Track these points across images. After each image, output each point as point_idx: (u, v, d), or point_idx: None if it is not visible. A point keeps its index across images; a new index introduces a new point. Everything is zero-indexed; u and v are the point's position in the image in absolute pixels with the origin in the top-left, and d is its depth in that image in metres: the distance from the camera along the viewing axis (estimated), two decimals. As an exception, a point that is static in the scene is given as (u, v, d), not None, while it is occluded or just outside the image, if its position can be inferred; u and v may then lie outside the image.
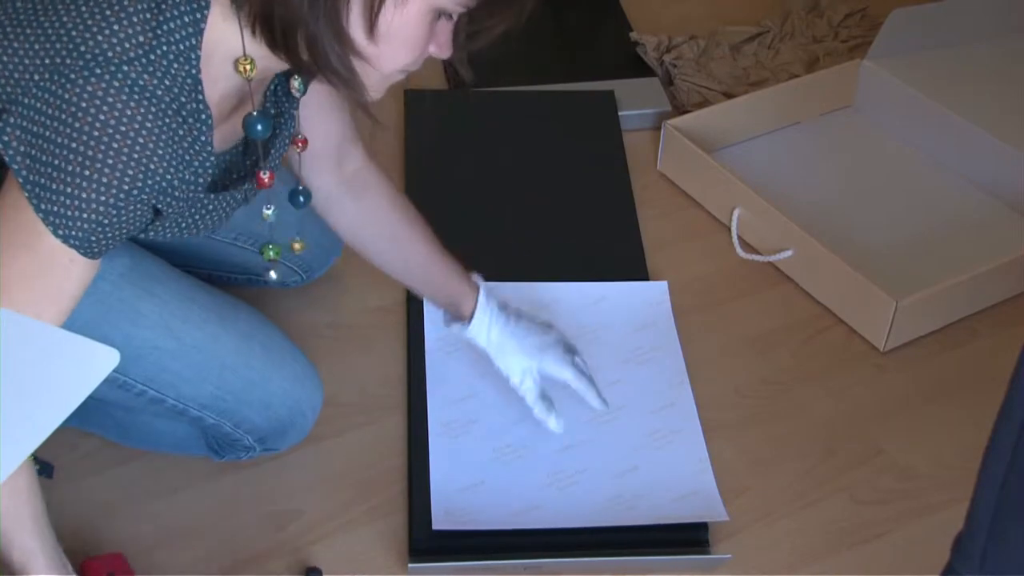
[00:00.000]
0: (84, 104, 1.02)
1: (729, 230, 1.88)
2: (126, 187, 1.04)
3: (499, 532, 1.43)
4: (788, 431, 1.61)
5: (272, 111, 1.25)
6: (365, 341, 1.67)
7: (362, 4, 1.05)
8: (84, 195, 1.03)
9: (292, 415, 1.43)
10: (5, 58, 1.06)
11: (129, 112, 1.02)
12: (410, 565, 1.39)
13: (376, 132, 1.18)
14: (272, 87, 1.23)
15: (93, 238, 1.06)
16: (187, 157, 1.09)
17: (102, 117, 1.02)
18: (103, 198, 1.04)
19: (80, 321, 1.25)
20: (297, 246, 1.42)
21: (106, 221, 1.05)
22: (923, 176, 2.02)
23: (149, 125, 1.03)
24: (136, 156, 1.03)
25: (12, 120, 1.04)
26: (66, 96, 1.02)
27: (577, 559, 1.42)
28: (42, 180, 1.03)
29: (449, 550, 1.41)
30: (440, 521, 1.42)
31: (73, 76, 1.02)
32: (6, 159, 1.05)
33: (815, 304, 1.79)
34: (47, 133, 1.03)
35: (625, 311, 1.70)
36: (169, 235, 1.19)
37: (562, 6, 2.42)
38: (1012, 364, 0.93)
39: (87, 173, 1.03)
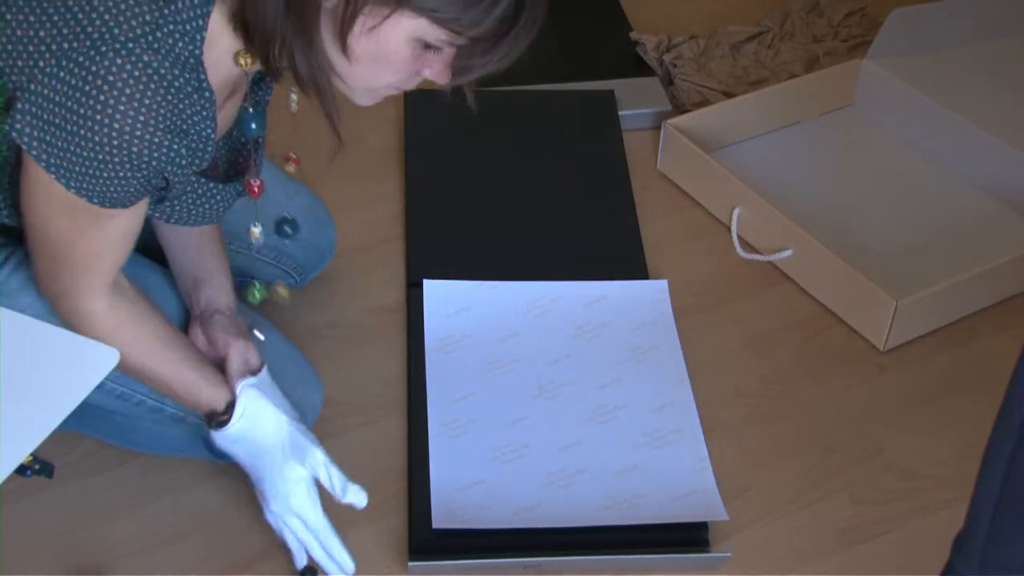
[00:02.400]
0: (88, 88, 1.04)
1: (729, 230, 1.88)
2: (135, 160, 1.08)
3: (499, 532, 1.43)
4: (788, 431, 1.61)
5: (262, 107, 1.26)
6: (365, 341, 1.67)
7: (332, 22, 1.06)
8: (105, 173, 1.08)
9: (291, 420, 1.43)
10: (10, 46, 1.07)
11: (128, 91, 1.05)
12: (410, 564, 1.39)
13: (338, 149, 1.18)
14: (255, 80, 1.24)
15: (127, 199, 1.12)
16: (191, 132, 1.11)
17: (102, 98, 1.04)
18: (122, 173, 1.09)
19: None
20: (282, 291, 1.44)
21: (131, 188, 1.11)
22: (923, 176, 2.02)
23: (148, 102, 1.06)
24: (139, 133, 1.07)
25: (22, 107, 1.07)
26: (73, 82, 1.05)
27: (577, 558, 1.42)
28: (63, 163, 1.08)
29: (449, 550, 1.41)
30: (440, 520, 1.42)
31: (81, 59, 1.05)
32: (25, 147, 1.09)
33: (815, 304, 1.79)
34: (57, 120, 1.06)
35: (625, 310, 1.70)
36: (182, 216, 1.23)
37: (562, 6, 2.41)
38: (1012, 364, 0.93)
39: (100, 156, 1.07)
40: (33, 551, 1.42)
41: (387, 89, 1.15)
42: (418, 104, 2.07)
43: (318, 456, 1.32)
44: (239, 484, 1.50)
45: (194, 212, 1.24)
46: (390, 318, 1.72)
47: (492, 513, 1.45)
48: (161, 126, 1.08)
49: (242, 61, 1.12)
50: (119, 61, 1.04)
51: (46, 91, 1.06)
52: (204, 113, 1.12)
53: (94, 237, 1.17)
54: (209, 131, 1.14)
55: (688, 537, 1.45)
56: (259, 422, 1.31)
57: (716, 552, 1.44)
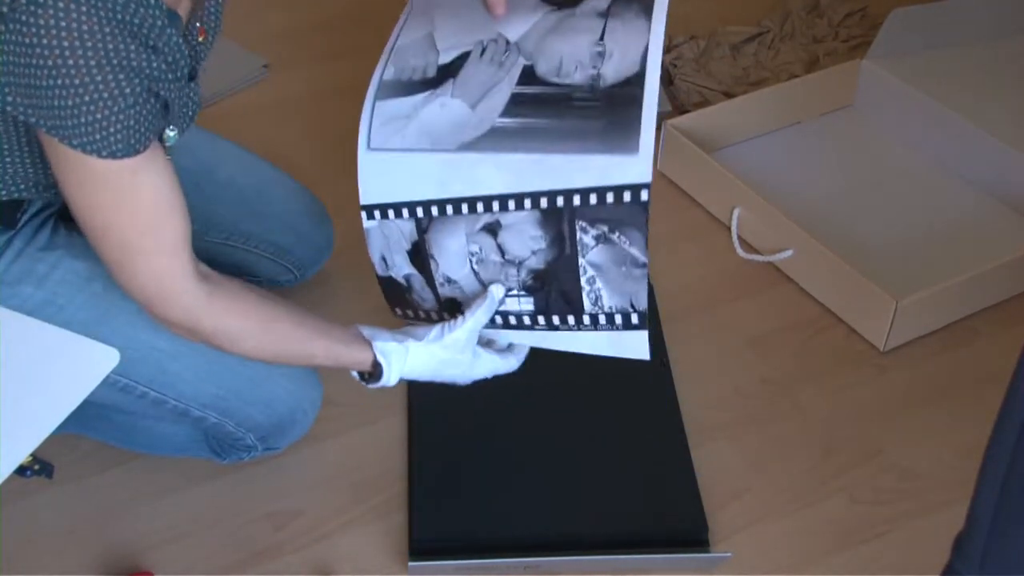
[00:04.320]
0: (45, 40, 1.02)
1: (729, 230, 1.88)
2: (126, 90, 1.06)
3: (497, 526, 1.43)
4: (788, 431, 1.61)
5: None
6: (365, 341, 1.67)
7: None
8: (99, 115, 1.06)
9: (293, 412, 1.43)
10: None
11: (86, 27, 1.03)
12: (410, 564, 1.39)
13: None
14: None
15: (132, 140, 1.09)
16: (159, 45, 1.10)
17: (65, 44, 1.02)
18: (116, 107, 1.06)
19: (78, 324, 1.25)
20: None
21: (132, 123, 1.08)
22: (923, 176, 2.02)
23: (108, 30, 1.04)
24: (115, 62, 1.05)
25: (3, 79, 1.06)
26: (26, 40, 1.03)
27: (577, 558, 1.42)
28: (58, 122, 1.06)
29: (449, 550, 1.41)
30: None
31: (24, 17, 1.02)
32: (22, 117, 1.07)
33: (815, 304, 1.79)
34: (31, 81, 1.04)
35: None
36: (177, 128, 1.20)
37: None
38: (1012, 364, 0.93)
39: (87, 99, 1.05)
40: (33, 551, 1.42)
41: None
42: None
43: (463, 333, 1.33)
44: (239, 484, 1.50)
45: (183, 117, 1.22)
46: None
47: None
48: (131, 48, 1.06)
49: None
50: (60, 4, 1.02)
51: (10, 56, 1.04)
52: (161, 24, 1.10)
53: (135, 206, 1.14)
54: (174, 34, 1.12)
55: (688, 537, 1.45)
56: (414, 366, 1.34)
57: (716, 552, 1.44)
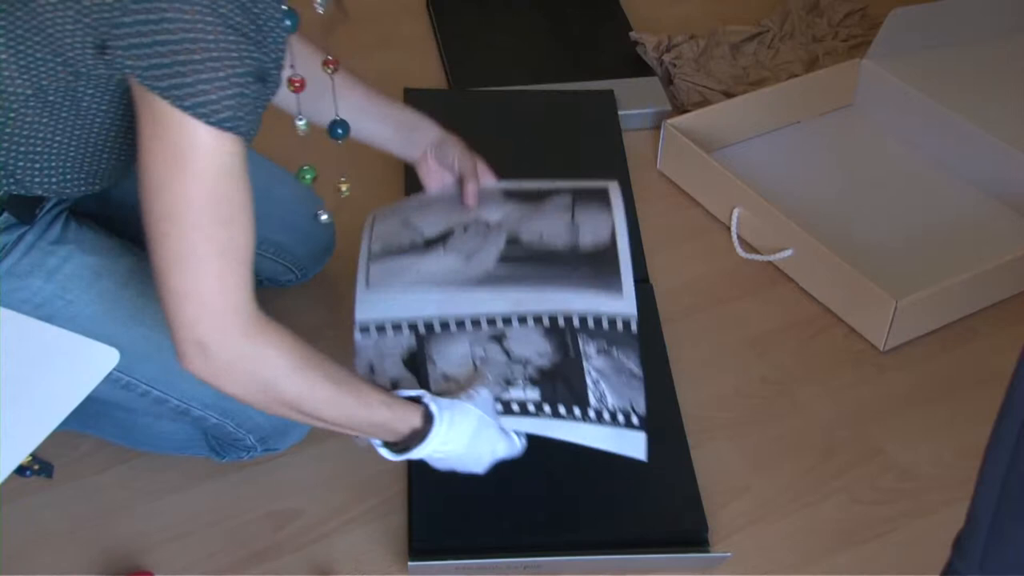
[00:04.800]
0: (177, 4, 1.04)
1: (729, 230, 1.88)
2: (254, 52, 1.08)
3: (497, 526, 1.43)
4: (788, 431, 1.61)
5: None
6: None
7: None
8: (221, 73, 1.06)
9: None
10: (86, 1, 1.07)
11: None
12: (410, 564, 1.39)
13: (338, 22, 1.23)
14: None
15: (239, 113, 1.09)
16: (268, 38, 1.11)
17: (202, 3, 1.04)
18: (237, 70, 1.07)
19: (85, 319, 1.25)
20: (344, 187, 1.45)
21: (247, 92, 1.09)
22: (923, 176, 2.02)
23: (231, 5, 1.06)
24: (241, 31, 1.07)
25: (120, 44, 1.07)
26: (158, 4, 1.04)
27: (577, 558, 1.42)
28: (177, 80, 1.06)
29: (449, 550, 1.41)
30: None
31: None
32: (139, 80, 1.07)
33: (815, 304, 1.79)
34: (158, 38, 1.05)
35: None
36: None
37: (562, 6, 2.42)
38: (1012, 364, 0.93)
39: (215, 54, 1.06)
40: (33, 551, 1.42)
41: None
42: (418, 104, 2.06)
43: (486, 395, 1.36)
44: (239, 484, 1.50)
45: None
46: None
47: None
48: (251, 27, 1.08)
49: None
50: None
51: (138, 16, 1.05)
52: (278, 14, 1.12)
53: (222, 194, 1.10)
54: (282, 32, 1.14)
55: (688, 537, 1.45)
56: (459, 428, 1.31)
57: (716, 552, 1.44)
